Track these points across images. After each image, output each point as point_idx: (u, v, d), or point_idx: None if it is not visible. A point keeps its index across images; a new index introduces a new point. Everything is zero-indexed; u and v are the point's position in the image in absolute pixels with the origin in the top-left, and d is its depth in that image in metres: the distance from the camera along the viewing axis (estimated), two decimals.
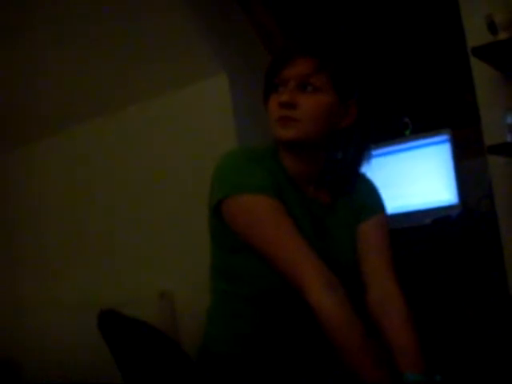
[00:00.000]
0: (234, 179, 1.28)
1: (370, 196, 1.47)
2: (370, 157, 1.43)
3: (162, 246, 2.70)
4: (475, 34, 1.81)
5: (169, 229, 2.67)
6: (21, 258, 3.24)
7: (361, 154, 1.40)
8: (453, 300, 1.89)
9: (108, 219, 2.91)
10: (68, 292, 2.98)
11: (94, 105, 2.78)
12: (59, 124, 2.93)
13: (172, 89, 2.53)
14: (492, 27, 1.68)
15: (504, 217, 1.85)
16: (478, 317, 1.82)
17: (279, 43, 2.59)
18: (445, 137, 2.30)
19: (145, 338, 1.34)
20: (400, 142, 2.41)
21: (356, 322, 1.14)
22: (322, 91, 1.27)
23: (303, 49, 1.29)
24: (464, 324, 1.86)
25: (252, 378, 1.33)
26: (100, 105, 2.76)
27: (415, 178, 2.34)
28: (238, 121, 2.41)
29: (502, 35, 1.67)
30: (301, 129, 1.27)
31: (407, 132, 2.45)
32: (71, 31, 2.57)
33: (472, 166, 2.30)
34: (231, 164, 1.31)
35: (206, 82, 2.44)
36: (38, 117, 2.97)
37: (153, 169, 2.71)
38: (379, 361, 1.12)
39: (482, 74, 1.87)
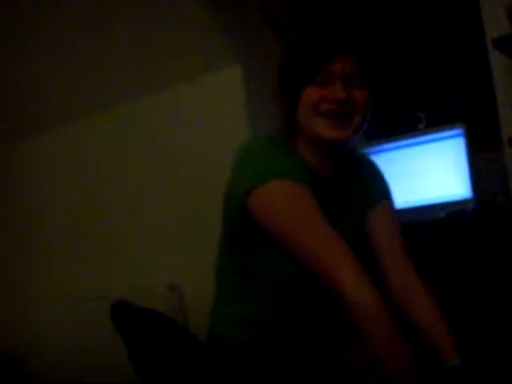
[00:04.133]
0: (262, 167, 1.24)
1: (378, 182, 1.48)
2: None
3: (171, 239, 2.68)
4: (494, 25, 1.78)
5: (177, 221, 2.65)
6: (27, 251, 3.22)
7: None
8: (466, 294, 1.87)
9: (116, 211, 2.89)
10: (75, 286, 2.97)
11: (107, 96, 2.76)
12: (73, 114, 2.92)
13: (186, 80, 2.52)
14: None
15: None
16: (491, 312, 1.80)
17: (290, 35, 2.57)
18: (459, 131, 2.27)
19: (160, 327, 1.33)
20: (414, 136, 2.38)
21: (391, 317, 1.12)
22: (365, 87, 1.28)
23: (348, 46, 1.27)
24: (476, 319, 1.84)
25: (264, 371, 1.32)
26: (113, 96, 2.74)
27: (429, 172, 2.32)
28: (251, 112, 2.39)
29: None
30: (352, 126, 1.27)
31: (421, 126, 2.43)
32: (83, 23, 2.56)
33: (485, 160, 2.27)
34: (257, 152, 1.29)
35: (220, 72, 2.42)
36: (48, 108, 2.95)
37: (164, 161, 2.68)
38: (411, 355, 1.11)
39: (500, 66, 1.85)
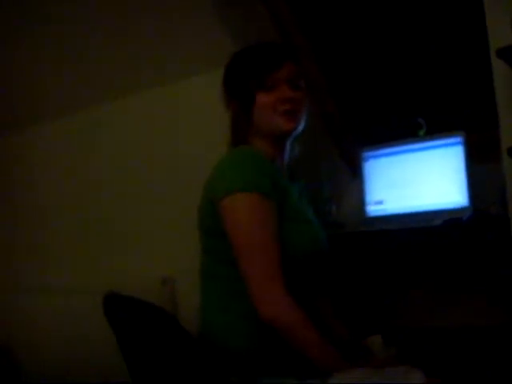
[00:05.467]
0: (238, 177, 1.41)
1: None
2: None
3: (164, 233, 2.67)
4: (499, 35, 1.78)
5: (172, 215, 2.64)
6: (20, 242, 3.21)
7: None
8: (460, 299, 1.88)
9: (109, 205, 2.88)
10: (67, 277, 2.96)
11: (105, 91, 2.76)
12: (68, 108, 2.92)
13: (183, 77, 2.53)
14: None
15: None
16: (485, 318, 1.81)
17: (296, 39, 2.57)
18: (458, 139, 2.28)
19: (150, 317, 1.35)
20: (413, 142, 2.39)
21: (308, 322, 1.31)
22: (303, 88, 1.57)
23: (290, 55, 1.59)
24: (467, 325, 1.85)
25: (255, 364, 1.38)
26: (111, 91, 2.75)
27: (426, 179, 2.33)
28: None
29: None
30: (299, 119, 1.56)
31: (421, 132, 2.43)
32: (83, 17, 2.56)
33: (482, 170, 2.27)
34: (240, 162, 1.45)
35: (218, 71, 2.41)
36: (44, 102, 2.95)
37: (158, 156, 2.69)
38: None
39: (502, 76, 1.84)
